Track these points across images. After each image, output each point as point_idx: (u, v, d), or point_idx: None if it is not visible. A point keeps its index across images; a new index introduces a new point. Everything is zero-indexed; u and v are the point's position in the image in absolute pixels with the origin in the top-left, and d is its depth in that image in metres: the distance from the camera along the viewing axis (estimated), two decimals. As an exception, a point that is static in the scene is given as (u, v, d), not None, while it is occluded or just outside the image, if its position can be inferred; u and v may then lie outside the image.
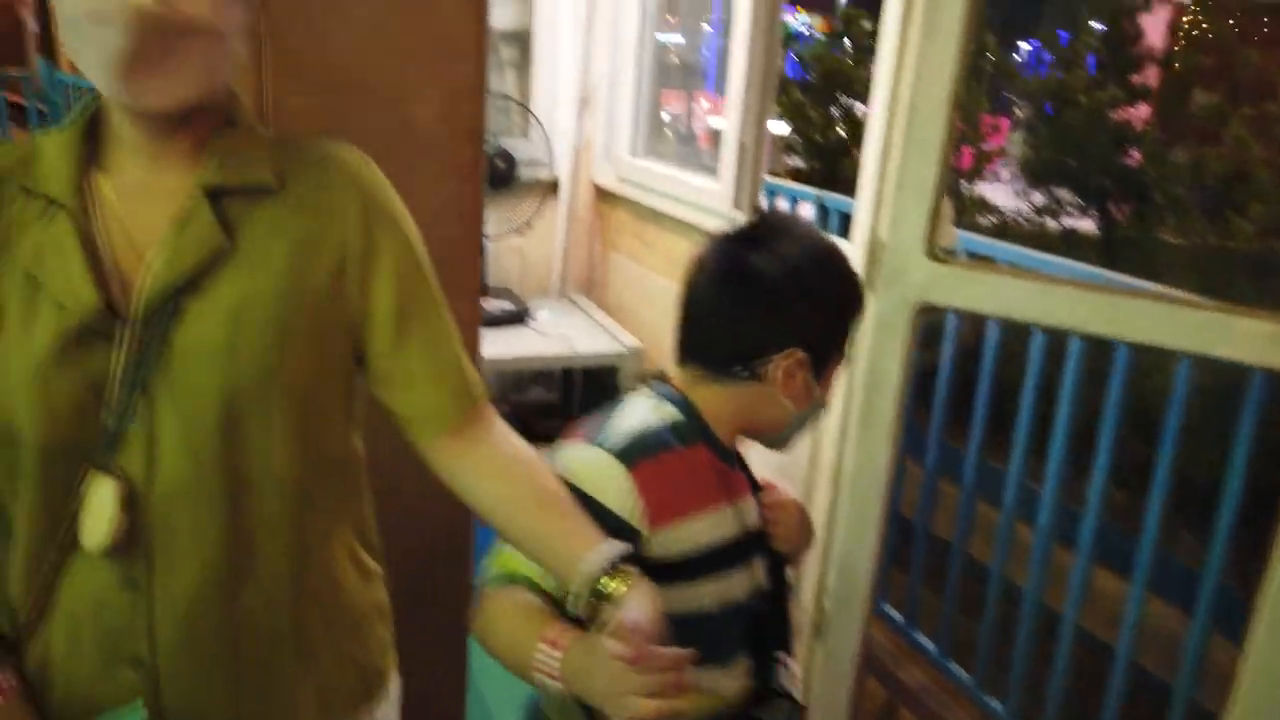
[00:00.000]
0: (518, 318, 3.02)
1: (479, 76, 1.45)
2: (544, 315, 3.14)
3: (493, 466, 0.99)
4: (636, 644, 0.83)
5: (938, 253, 1.76)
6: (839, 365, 1.19)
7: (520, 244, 3.29)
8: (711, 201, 2.60)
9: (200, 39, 0.82)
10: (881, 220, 1.85)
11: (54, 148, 0.89)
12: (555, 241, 3.39)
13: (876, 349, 1.85)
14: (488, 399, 1.02)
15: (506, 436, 1.02)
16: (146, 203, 0.89)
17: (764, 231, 1.17)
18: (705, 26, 3.88)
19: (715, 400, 1.16)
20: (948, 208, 1.80)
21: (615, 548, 0.93)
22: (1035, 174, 5.12)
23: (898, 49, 1.80)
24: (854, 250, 2.08)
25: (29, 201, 0.88)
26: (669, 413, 1.13)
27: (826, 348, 1.17)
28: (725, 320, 1.14)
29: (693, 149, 3.94)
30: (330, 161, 0.95)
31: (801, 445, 2.45)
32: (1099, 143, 4.61)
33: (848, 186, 5.79)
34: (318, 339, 0.92)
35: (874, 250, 1.84)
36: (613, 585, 0.91)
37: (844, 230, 3.23)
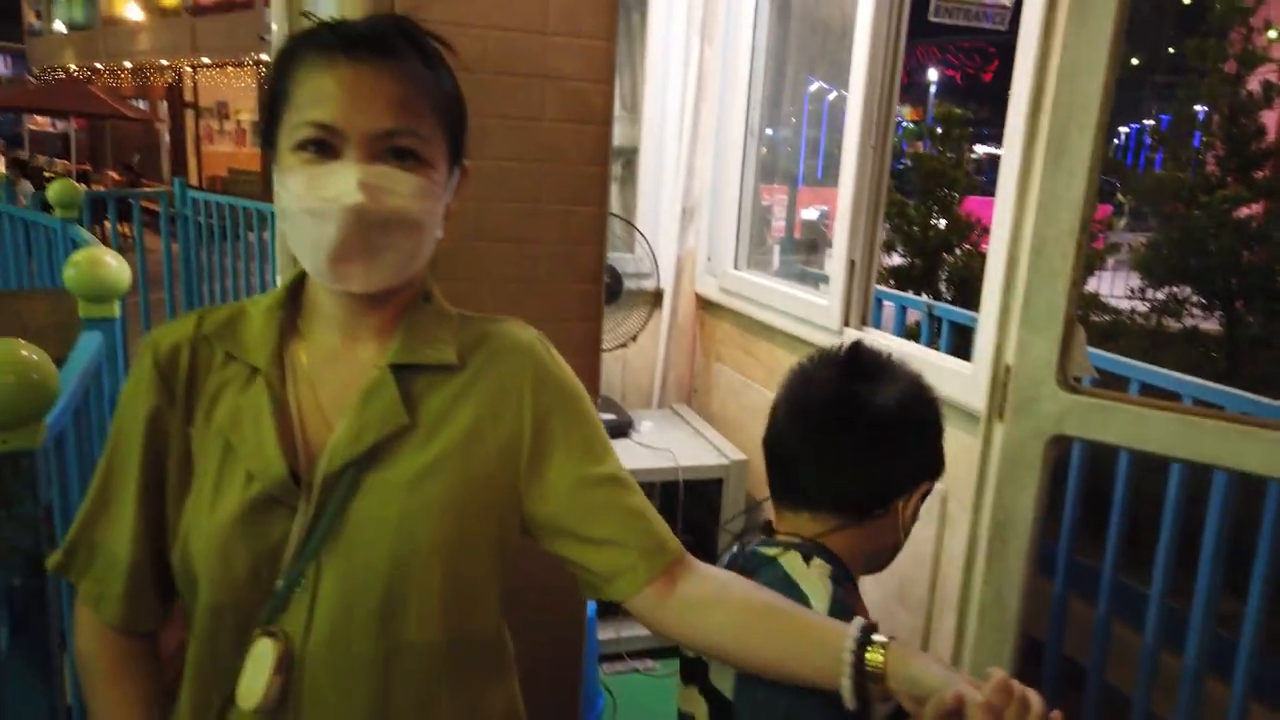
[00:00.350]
0: (621, 430, 3.00)
1: (602, 216, 1.46)
2: (647, 426, 3.12)
3: (707, 600, 0.97)
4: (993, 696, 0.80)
5: (1071, 381, 1.67)
6: None
7: (622, 354, 3.30)
8: (820, 317, 2.56)
9: (402, 232, 0.88)
10: (1007, 345, 1.79)
11: (259, 316, 0.95)
12: (657, 352, 3.39)
13: (1006, 481, 1.76)
14: (682, 550, 1.00)
15: (705, 568, 1.00)
16: (337, 372, 0.94)
17: (867, 368, 1.17)
18: (793, 119, 3.90)
19: (853, 543, 1.15)
20: (1080, 334, 1.72)
21: (860, 624, 0.91)
22: (1152, 271, 4.93)
23: (1020, 172, 1.76)
24: (977, 374, 2.01)
25: (232, 366, 0.94)
26: (824, 568, 1.10)
27: (937, 473, 1.19)
28: (863, 468, 1.14)
29: (787, 243, 3.91)
30: (507, 341, 0.99)
31: (920, 570, 2.35)
32: (1223, 241, 4.42)
33: (949, 285, 5.69)
34: (485, 514, 0.94)
35: (1000, 376, 1.77)
36: (879, 658, 0.88)
37: (956, 341, 3.15)
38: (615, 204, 3.33)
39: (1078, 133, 1.59)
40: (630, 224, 3.19)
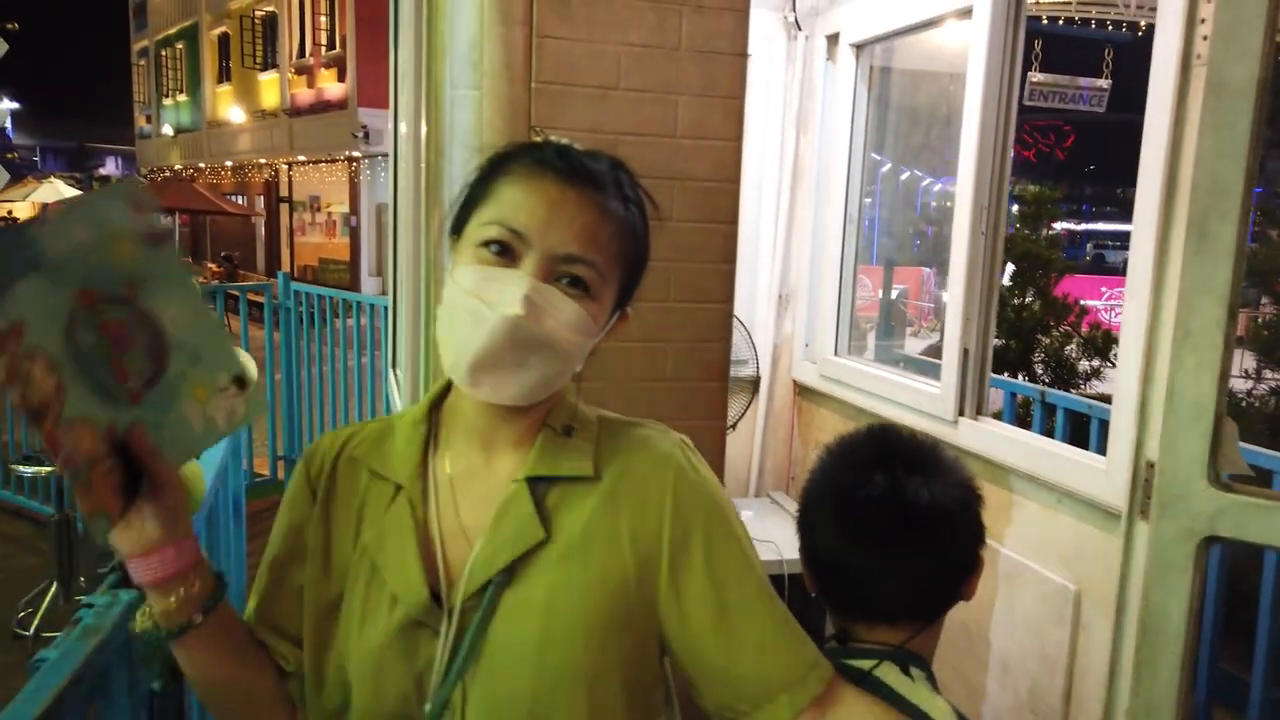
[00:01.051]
0: (722, 521, 2.94)
1: (728, 312, 1.45)
2: (747, 516, 3.05)
3: None
4: None
5: (1224, 479, 1.57)
6: None
7: (720, 442, 3.26)
8: (931, 406, 2.49)
9: (546, 355, 0.88)
10: (1148, 439, 1.70)
11: (404, 430, 0.98)
12: (755, 439, 3.34)
13: (1154, 584, 1.65)
14: (830, 672, 0.95)
15: (853, 694, 0.96)
16: (476, 486, 0.95)
17: (910, 458, 1.12)
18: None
19: (930, 640, 1.14)
20: (1232, 428, 1.63)
21: None
22: (1272, 352, 4.71)
23: (1155, 259, 1.70)
24: (1114, 469, 1.91)
25: (377, 485, 0.96)
26: (923, 677, 1.07)
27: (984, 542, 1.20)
28: (936, 573, 1.11)
29: (889, 338, 3.86)
30: (647, 448, 0.96)
31: (1053, 676, 2.21)
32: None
33: (1045, 367, 5.53)
34: (626, 632, 0.91)
35: (1142, 472, 1.68)
36: None
37: (1074, 429, 3.04)
38: (712, 292, 3.34)
39: (1219, 220, 1.52)
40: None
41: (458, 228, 0.92)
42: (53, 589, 3.64)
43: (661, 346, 1.44)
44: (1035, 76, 5.12)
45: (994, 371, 5.13)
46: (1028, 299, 5.66)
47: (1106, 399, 3.12)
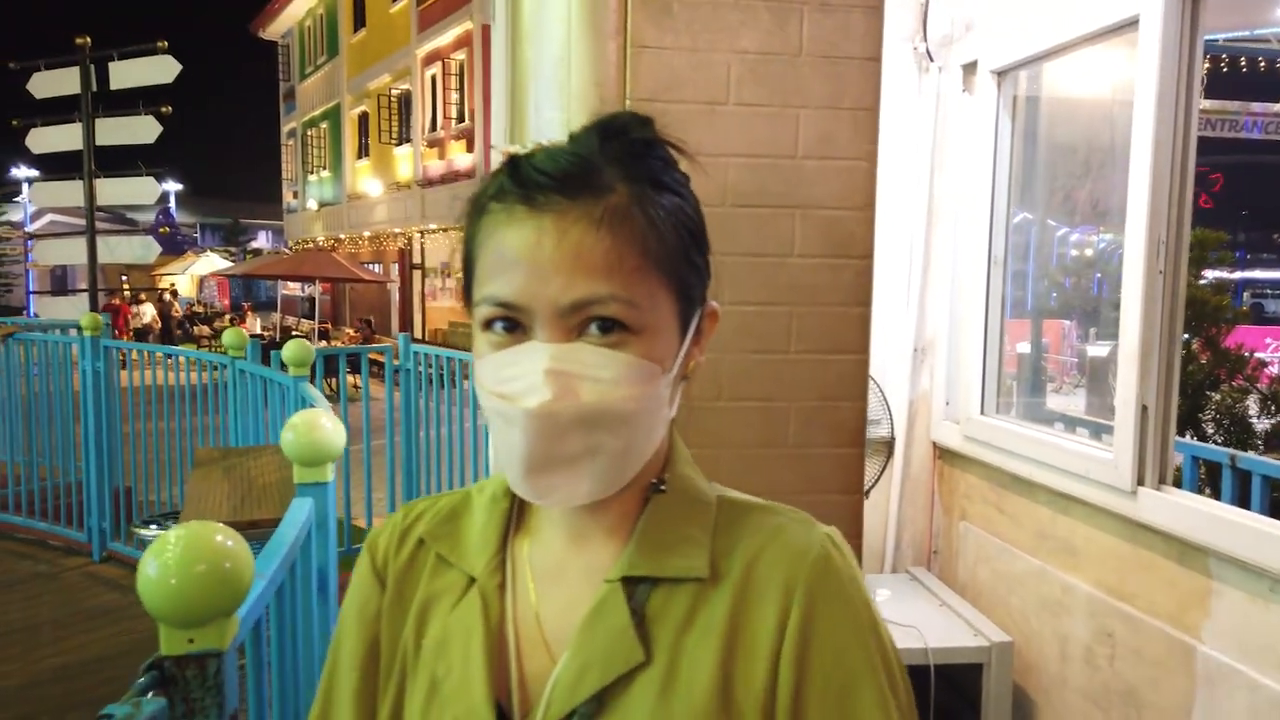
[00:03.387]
0: (855, 600, 2.63)
1: (863, 364, 1.21)
2: (883, 595, 2.73)
3: None
4: None
5: None
6: None
7: (851, 511, 2.96)
8: (1102, 474, 2.14)
9: (607, 429, 0.67)
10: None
11: (482, 509, 0.79)
12: (890, 507, 3.02)
13: None
14: None
15: None
16: (562, 583, 0.75)
17: None
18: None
19: None
20: None
21: None
22: None
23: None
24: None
25: (444, 573, 0.78)
26: None
27: None
28: None
29: (1033, 385, 3.49)
30: (780, 543, 0.72)
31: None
32: None
33: (1217, 426, 4.95)
34: None
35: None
36: None
37: (1268, 500, 2.60)
38: (840, 346, 3.08)
39: None
40: (858, 368, 2.91)
41: (469, 309, 0.72)
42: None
43: (783, 407, 1.20)
44: (1201, 104, 4.67)
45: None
46: (1193, 350, 5.11)
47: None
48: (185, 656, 1.05)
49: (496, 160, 0.72)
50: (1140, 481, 2.05)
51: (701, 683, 0.68)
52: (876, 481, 2.80)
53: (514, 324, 0.68)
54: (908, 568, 3.01)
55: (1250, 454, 2.42)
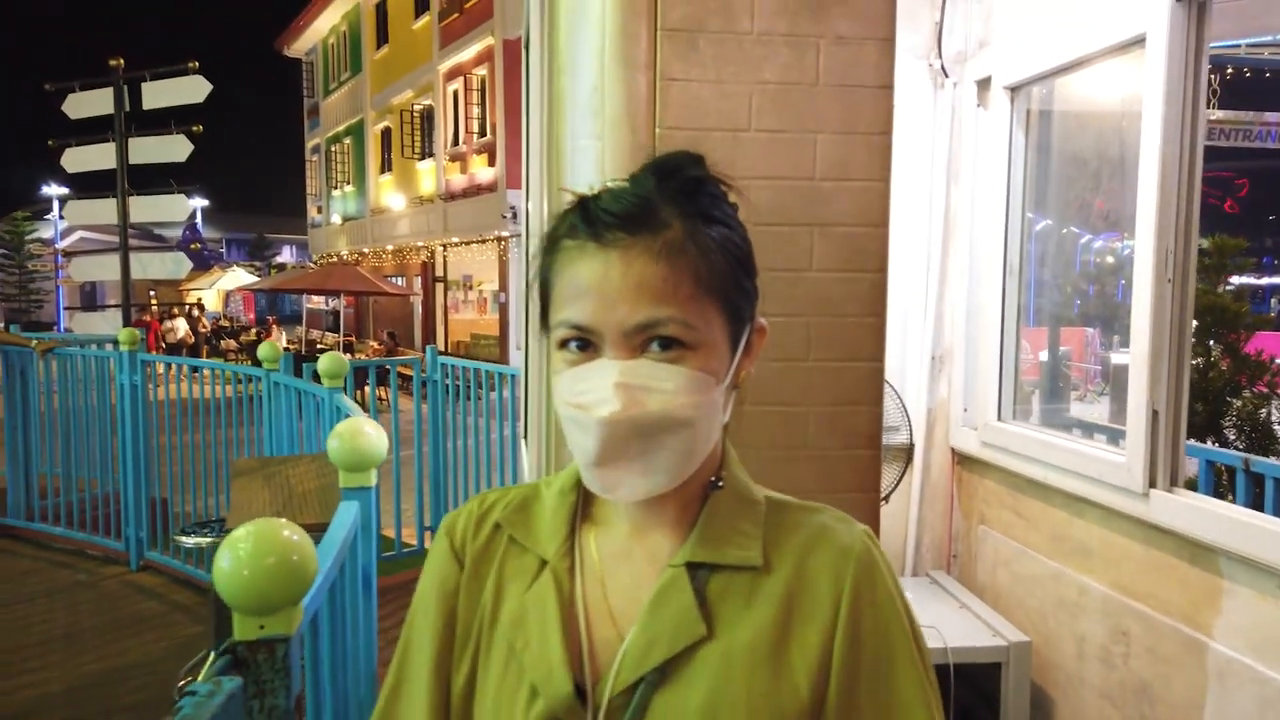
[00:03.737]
0: (877, 602, 2.70)
1: (878, 371, 1.29)
2: (904, 598, 2.79)
3: None
4: None
5: None
6: None
7: (872, 515, 3.03)
8: (1115, 476, 2.21)
9: (669, 432, 0.77)
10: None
11: (552, 499, 0.89)
12: (909, 512, 3.09)
13: None
14: None
15: None
16: (628, 567, 0.85)
17: None
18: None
19: None
20: None
21: None
22: None
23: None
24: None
25: (518, 556, 0.87)
26: None
27: None
28: None
29: (1051, 391, 3.54)
30: (827, 541, 0.83)
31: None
32: None
33: (1238, 432, 4.96)
34: None
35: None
36: None
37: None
38: (859, 355, 3.15)
39: None
40: (877, 376, 2.99)
41: (545, 329, 0.83)
42: (210, 657, 3.73)
43: (802, 412, 1.29)
44: (1214, 114, 4.69)
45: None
46: (1213, 357, 5.12)
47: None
48: (256, 641, 1.15)
49: (567, 200, 0.81)
50: (1152, 484, 2.11)
51: (759, 655, 0.78)
52: (896, 486, 2.87)
53: (586, 343, 0.78)
54: (928, 571, 3.08)
55: (1264, 458, 2.47)
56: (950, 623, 2.63)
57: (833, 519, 0.85)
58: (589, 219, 0.78)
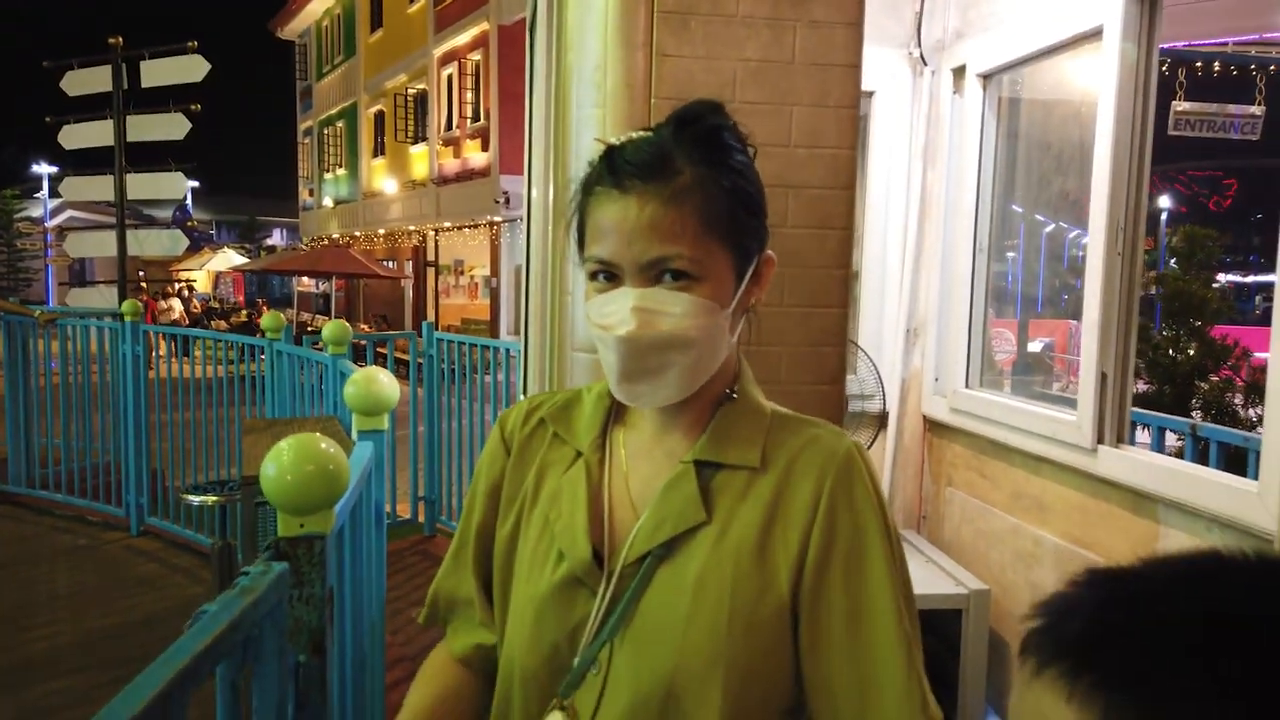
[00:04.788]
0: (849, 556, 2.89)
1: (844, 317, 1.47)
2: (876, 553, 2.98)
3: None
4: None
5: (1392, 494, 1.46)
6: None
7: (848, 478, 3.21)
8: (1067, 434, 2.40)
9: (678, 350, 0.92)
10: (1304, 456, 1.59)
11: (591, 402, 1.05)
12: (883, 476, 3.27)
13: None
14: None
15: None
16: (649, 462, 1.00)
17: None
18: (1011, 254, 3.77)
19: None
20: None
21: None
22: None
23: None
24: (1266, 493, 1.80)
25: (559, 448, 1.04)
26: None
27: None
28: None
29: (1026, 375, 3.73)
30: (817, 447, 0.97)
31: None
32: None
33: (1205, 415, 5.17)
34: (768, 625, 0.92)
35: (1298, 490, 1.58)
36: None
37: (1229, 462, 2.85)
38: (838, 326, 3.33)
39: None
40: (854, 343, 3.17)
41: (581, 263, 0.99)
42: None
43: (776, 351, 1.46)
44: (1181, 105, 4.88)
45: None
46: (1182, 341, 5.33)
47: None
48: (297, 538, 1.32)
49: (598, 149, 0.96)
50: (1100, 440, 2.30)
51: (747, 541, 0.93)
52: (868, 448, 3.05)
53: (610, 275, 0.93)
54: (900, 530, 3.27)
55: (1209, 424, 2.66)
56: (916, 574, 2.80)
57: (827, 431, 0.99)
58: (613, 168, 0.92)
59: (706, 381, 0.96)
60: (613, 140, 0.96)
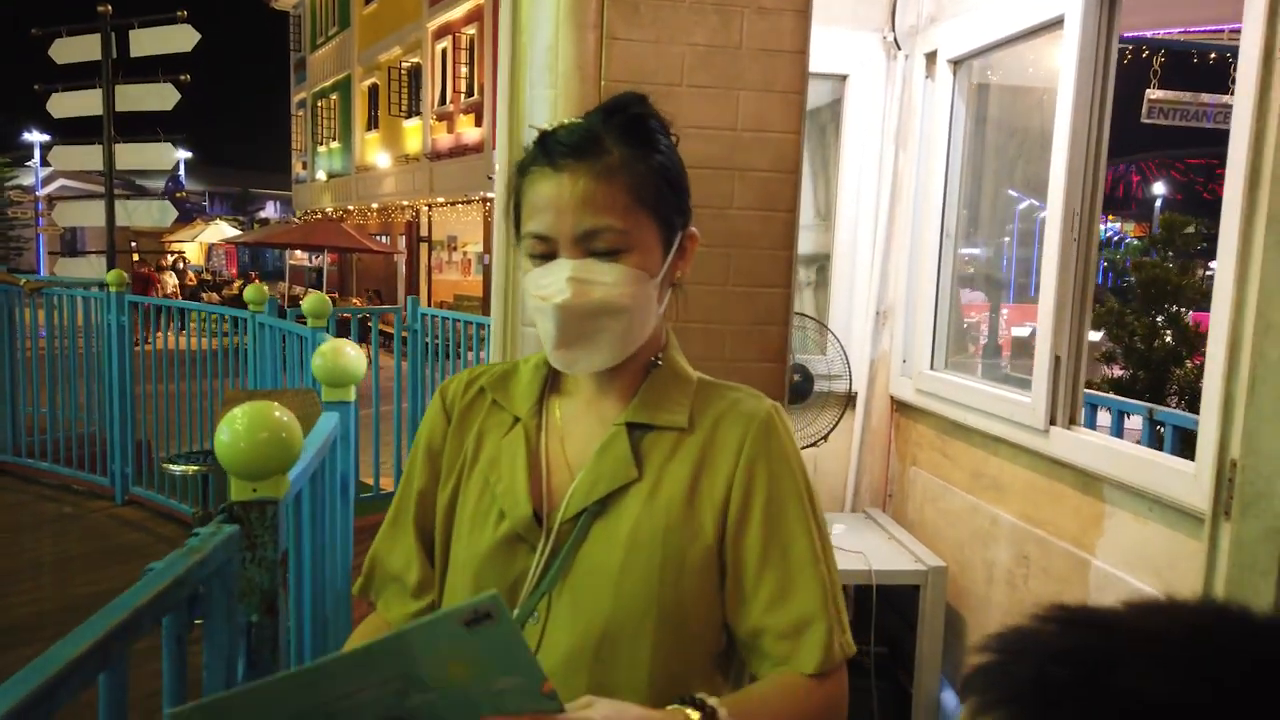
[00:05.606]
0: (812, 532, 2.95)
1: (788, 297, 1.51)
2: (839, 530, 3.04)
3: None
4: None
5: (1310, 476, 1.52)
6: None
7: (814, 455, 3.27)
8: (1022, 415, 2.46)
9: (609, 316, 0.99)
10: (1232, 438, 1.65)
11: (528, 372, 1.11)
12: (850, 455, 3.33)
13: (1236, 587, 1.60)
14: (837, 664, 1.00)
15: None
16: (584, 426, 1.07)
17: None
18: (1005, 239, 3.82)
19: None
20: (1318, 424, 1.57)
21: None
22: None
23: (1239, 252, 1.66)
24: (1200, 471, 1.85)
25: (498, 414, 1.09)
26: None
27: None
28: None
29: (996, 360, 3.79)
30: (738, 408, 1.05)
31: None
32: None
33: (1180, 401, 5.25)
34: (697, 571, 1.00)
35: (1225, 472, 1.63)
36: None
37: (1183, 447, 2.91)
38: (809, 307, 3.37)
39: (1301, 207, 1.49)
40: (823, 325, 3.21)
41: (518, 241, 1.05)
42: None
43: (720, 329, 1.51)
44: (1154, 94, 4.92)
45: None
46: (1159, 328, 5.40)
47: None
48: (250, 502, 1.37)
49: (532, 135, 1.03)
50: (1053, 421, 2.36)
51: (675, 495, 1.01)
52: (833, 428, 3.11)
53: (548, 252, 0.99)
54: (865, 508, 3.33)
55: (1166, 409, 2.72)
56: (878, 551, 2.88)
57: (747, 395, 1.08)
58: (546, 149, 0.99)
59: (636, 351, 1.03)
60: (544, 126, 1.03)
